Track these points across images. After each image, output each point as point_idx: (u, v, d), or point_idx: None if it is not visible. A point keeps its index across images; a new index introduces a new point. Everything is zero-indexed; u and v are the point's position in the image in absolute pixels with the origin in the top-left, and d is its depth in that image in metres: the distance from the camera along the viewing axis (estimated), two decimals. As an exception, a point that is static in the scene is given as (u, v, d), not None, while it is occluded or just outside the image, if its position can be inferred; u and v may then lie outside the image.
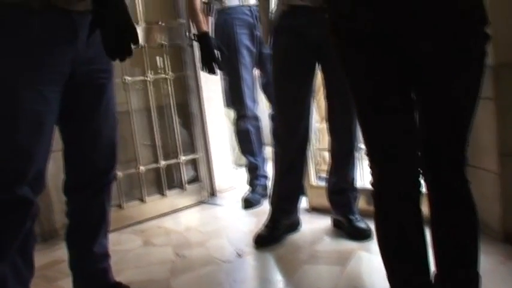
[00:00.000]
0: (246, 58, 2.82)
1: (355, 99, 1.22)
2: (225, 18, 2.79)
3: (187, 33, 2.98)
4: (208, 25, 2.70)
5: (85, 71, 1.47)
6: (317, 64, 2.14)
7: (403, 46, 1.15)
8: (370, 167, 1.26)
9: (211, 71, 2.62)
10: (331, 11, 1.22)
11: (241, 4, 2.80)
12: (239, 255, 2.11)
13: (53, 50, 1.36)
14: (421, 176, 1.24)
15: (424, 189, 1.26)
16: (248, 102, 2.89)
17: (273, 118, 2.55)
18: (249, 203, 2.86)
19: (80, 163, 1.61)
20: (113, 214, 2.66)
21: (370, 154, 1.25)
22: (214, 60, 2.60)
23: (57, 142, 2.58)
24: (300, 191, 2.35)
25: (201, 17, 2.65)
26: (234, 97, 2.94)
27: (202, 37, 2.62)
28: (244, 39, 2.79)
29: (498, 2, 1.75)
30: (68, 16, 1.38)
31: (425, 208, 1.25)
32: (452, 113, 1.19)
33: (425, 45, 1.13)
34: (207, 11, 2.72)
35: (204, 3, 2.70)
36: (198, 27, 2.63)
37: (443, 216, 1.26)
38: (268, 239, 2.20)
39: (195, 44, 2.81)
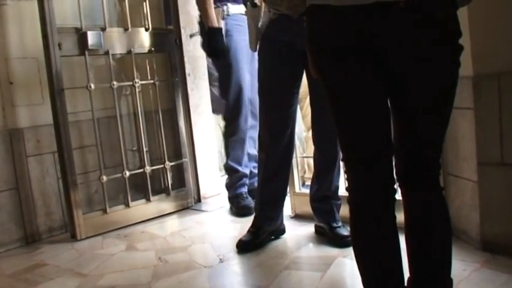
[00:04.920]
0: (247, 65, 2.82)
1: (332, 106, 1.24)
2: (231, 24, 2.76)
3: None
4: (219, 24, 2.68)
5: None
6: (304, 71, 2.17)
7: (379, 56, 1.17)
8: (346, 173, 1.28)
9: (219, 58, 2.67)
10: (309, 22, 1.24)
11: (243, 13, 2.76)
12: (221, 261, 2.12)
13: None
14: (396, 182, 1.27)
15: (398, 195, 1.29)
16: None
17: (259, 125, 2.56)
18: (248, 210, 2.73)
19: None
20: (97, 218, 2.69)
21: (346, 160, 1.27)
22: (223, 51, 2.64)
23: (41, 145, 2.63)
24: (284, 198, 2.37)
25: (213, 11, 2.63)
26: (235, 102, 2.84)
27: (214, 32, 2.62)
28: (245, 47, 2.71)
29: (477, 15, 1.79)
30: None
31: (399, 214, 1.27)
32: (426, 121, 1.22)
33: (401, 56, 1.16)
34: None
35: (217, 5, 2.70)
36: (211, 21, 2.61)
37: (417, 223, 1.29)
38: (251, 244, 2.22)
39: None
